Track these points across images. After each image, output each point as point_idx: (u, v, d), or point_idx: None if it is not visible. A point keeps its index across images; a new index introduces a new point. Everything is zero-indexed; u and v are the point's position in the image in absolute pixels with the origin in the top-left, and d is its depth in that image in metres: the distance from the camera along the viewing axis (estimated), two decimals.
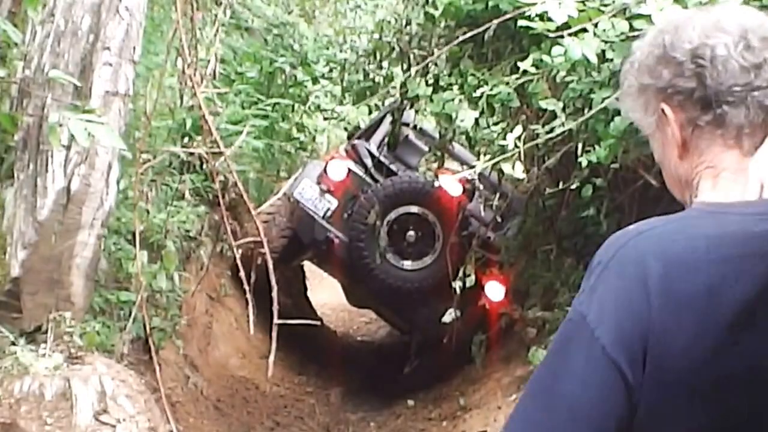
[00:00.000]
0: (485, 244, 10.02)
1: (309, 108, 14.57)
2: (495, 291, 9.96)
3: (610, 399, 1.80)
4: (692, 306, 1.81)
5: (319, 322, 12.65)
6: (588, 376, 1.81)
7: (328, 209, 10.91)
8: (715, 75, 1.95)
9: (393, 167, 11.27)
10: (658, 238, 1.88)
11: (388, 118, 11.27)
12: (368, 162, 11.26)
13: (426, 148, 12.03)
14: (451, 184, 10.23)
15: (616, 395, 1.80)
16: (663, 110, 2.01)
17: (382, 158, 11.33)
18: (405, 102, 9.02)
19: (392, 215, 10.70)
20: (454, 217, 10.43)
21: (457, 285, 8.94)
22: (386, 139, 11.36)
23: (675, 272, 1.82)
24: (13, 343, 6.07)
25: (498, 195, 9.98)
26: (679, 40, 1.98)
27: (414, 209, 10.75)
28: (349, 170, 11.03)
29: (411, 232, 10.79)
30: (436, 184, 10.48)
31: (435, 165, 10.98)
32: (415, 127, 11.14)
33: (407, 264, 10.81)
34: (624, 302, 1.81)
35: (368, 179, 11.06)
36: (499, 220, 10.51)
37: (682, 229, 1.90)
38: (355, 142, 11.86)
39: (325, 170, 11.01)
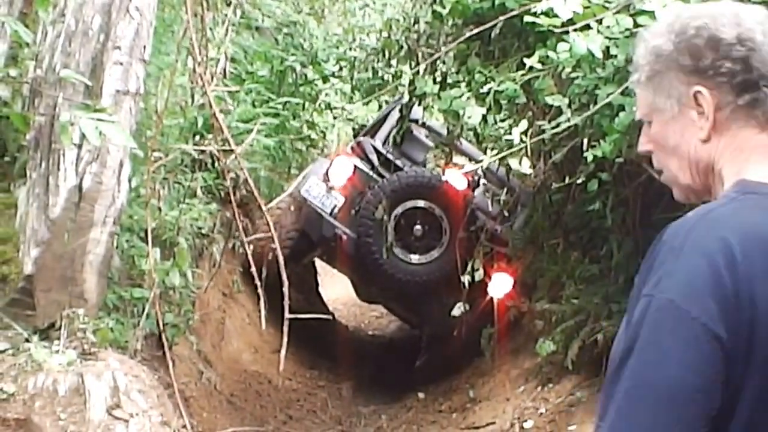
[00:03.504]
0: (493, 237, 10.07)
1: (319, 106, 14.64)
2: (503, 284, 9.98)
3: (713, 376, 1.83)
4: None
5: (330, 317, 12.68)
6: (691, 357, 1.83)
7: (335, 206, 10.94)
8: (759, 58, 2.04)
9: (399, 163, 11.29)
10: (725, 216, 1.94)
11: (393, 115, 11.32)
12: (374, 158, 11.27)
13: (431, 144, 12.07)
14: (456, 177, 10.27)
15: (719, 371, 1.83)
16: (699, 92, 2.08)
17: (387, 154, 11.36)
18: (413, 99, 9.04)
19: (399, 210, 10.73)
20: (461, 211, 10.46)
21: (465, 279, 8.98)
22: (391, 136, 11.39)
23: (750, 244, 1.89)
24: (27, 340, 6.11)
25: (506, 189, 10.03)
26: (724, 25, 2.06)
27: (420, 203, 10.78)
28: (355, 167, 11.06)
29: (418, 227, 10.82)
30: (442, 178, 10.52)
31: (443, 161, 11.02)
32: (422, 123, 11.19)
33: (415, 258, 10.83)
34: (713, 276, 1.85)
35: (374, 175, 11.09)
36: (506, 214, 10.53)
37: (743, 207, 1.97)
38: (361, 139, 11.90)
39: (331, 167, 11.05)
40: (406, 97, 9.39)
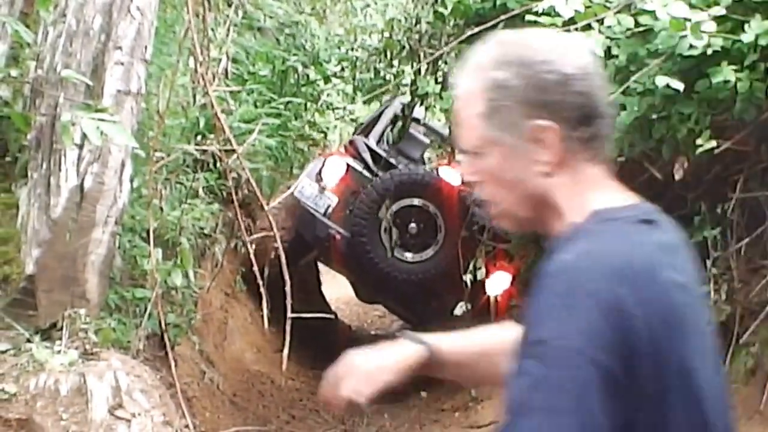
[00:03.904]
0: (495, 236, 10.05)
1: (321, 106, 14.63)
2: (501, 282, 9.97)
3: (615, 414, 1.84)
4: (657, 298, 1.92)
5: (333, 317, 12.67)
6: (598, 396, 1.83)
7: (329, 206, 10.91)
8: (596, 91, 2.08)
9: (393, 161, 11.25)
10: (603, 253, 1.95)
11: (387, 113, 11.31)
12: (367, 157, 11.23)
13: (427, 141, 12.06)
14: (451, 174, 10.25)
15: (619, 408, 1.85)
16: (543, 126, 2.07)
17: (381, 152, 11.33)
18: (415, 99, 9.04)
19: (393, 208, 10.67)
20: (456, 208, 10.43)
21: (467, 278, 8.97)
22: (385, 134, 11.38)
23: (634, 276, 1.91)
24: (29, 340, 6.09)
25: None
26: (565, 57, 2.08)
27: (414, 201, 10.72)
28: (348, 166, 11.04)
29: (412, 225, 10.75)
30: (436, 175, 10.51)
31: (446, 160, 11.02)
32: (423, 124, 11.18)
33: (409, 256, 10.78)
34: (606, 317, 1.86)
35: (368, 174, 11.06)
36: None
37: (613, 238, 1.99)
38: (354, 137, 11.90)
39: (323, 167, 11.03)
40: (407, 97, 9.39)
